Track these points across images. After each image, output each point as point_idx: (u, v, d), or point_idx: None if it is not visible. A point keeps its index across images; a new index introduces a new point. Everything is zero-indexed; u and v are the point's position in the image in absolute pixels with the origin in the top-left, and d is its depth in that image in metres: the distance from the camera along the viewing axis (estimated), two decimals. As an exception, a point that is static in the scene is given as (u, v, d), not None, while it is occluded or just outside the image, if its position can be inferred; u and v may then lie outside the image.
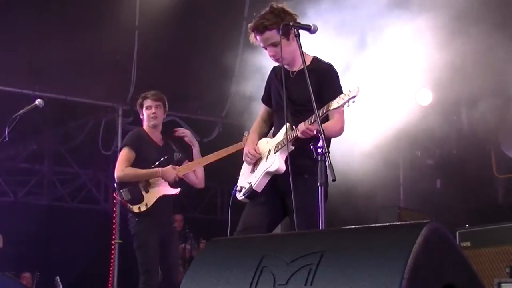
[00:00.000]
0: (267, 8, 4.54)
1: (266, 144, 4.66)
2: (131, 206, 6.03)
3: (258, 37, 4.52)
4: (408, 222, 4.15)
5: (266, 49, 4.55)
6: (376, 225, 2.80)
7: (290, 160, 4.30)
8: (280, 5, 4.55)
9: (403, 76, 8.15)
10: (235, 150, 6.10)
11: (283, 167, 4.38)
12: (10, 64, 8.47)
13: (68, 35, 8.56)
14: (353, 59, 7.28)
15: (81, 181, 11.08)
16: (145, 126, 6.26)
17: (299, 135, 4.25)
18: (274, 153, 4.48)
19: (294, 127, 4.38)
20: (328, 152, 3.95)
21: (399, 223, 6.26)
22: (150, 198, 6.05)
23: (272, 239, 3.13)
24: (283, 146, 4.38)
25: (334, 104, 4.14)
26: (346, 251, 2.57)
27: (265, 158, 4.58)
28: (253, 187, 4.54)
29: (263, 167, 4.54)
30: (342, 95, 4.13)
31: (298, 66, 4.57)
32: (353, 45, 7.59)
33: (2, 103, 8.40)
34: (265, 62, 8.16)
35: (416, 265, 2.39)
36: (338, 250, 2.60)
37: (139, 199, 6.03)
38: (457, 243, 6.57)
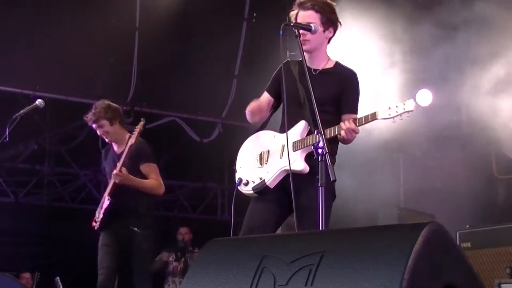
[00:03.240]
0: None
1: (274, 138, 4.55)
2: None
3: (299, 13, 4.46)
4: (408, 223, 4.16)
5: None
6: (377, 225, 2.81)
7: (304, 159, 4.27)
8: (335, 7, 4.53)
9: (403, 76, 8.17)
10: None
11: (307, 168, 4.31)
12: (10, 64, 8.47)
13: (68, 35, 8.56)
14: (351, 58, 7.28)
15: (81, 181, 11.08)
16: None
17: (343, 133, 4.18)
18: (294, 151, 4.36)
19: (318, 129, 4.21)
20: (328, 153, 3.95)
21: (399, 223, 6.26)
22: None
23: (272, 239, 3.13)
24: (306, 146, 4.29)
25: (383, 113, 4.07)
26: (346, 252, 2.57)
27: (279, 154, 4.46)
28: (267, 183, 4.44)
29: (279, 164, 4.42)
30: (394, 107, 4.05)
31: (320, 65, 4.53)
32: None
33: (2, 103, 8.41)
34: (266, 63, 8.19)
35: (417, 265, 2.39)
36: (338, 250, 2.60)
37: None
38: (457, 243, 6.57)
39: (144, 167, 6.14)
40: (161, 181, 6.23)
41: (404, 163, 9.38)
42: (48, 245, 10.20)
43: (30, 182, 10.75)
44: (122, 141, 6.16)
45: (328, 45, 4.58)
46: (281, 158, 4.42)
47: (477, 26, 7.74)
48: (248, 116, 4.72)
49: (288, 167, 4.31)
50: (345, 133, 4.17)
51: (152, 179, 6.15)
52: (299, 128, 4.42)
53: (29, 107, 5.92)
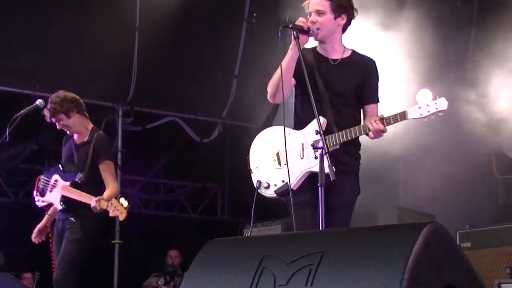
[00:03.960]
0: None
1: (289, 136, 4.31)
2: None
3: (311, 1, 4.41)
4: (408, 223, 4.15)
5: (310, 15, 4.40)
6: (377, 225, 2.80)
7: (334, 157, 4.08)
8: None
9: (403, 76, 8.16)
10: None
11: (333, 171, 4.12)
12: (10, 65, 8.47)
13: (68, 35, 8.56)
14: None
15: (81, 181, 11.07)
16: None
17: (371, 135, 4.11)
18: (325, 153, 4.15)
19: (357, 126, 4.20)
20: (328, 153, 3.93)
21: (399, 223, 6.26)
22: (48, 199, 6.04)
23: (273, 239, 3.13)
24: (332, 147, 4.15)
25: (413, 113, 4.01)
26: (346, 252, 2.57)
27: (299, 154, 4.32)
28: (291, 186, 4.25)
29: (302, 165, 4.27)
30: (425, 106, 3.99)
31: (338, 54, 4.43)
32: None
33: (2, 103, 8.41)
34: (266, 63, 8.18)
35: (417, 265, 2.39)
36: (338, 250, 2.60)
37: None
38: (458, 243, 6.57)
39: (102, 165, 5.91)
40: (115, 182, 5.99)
41: (404, 163, 9.37)
42: (48, 245, 10.18)
43: (30, 182, 10.75)
44: (84, 132, 6.01)
45: (344, 34, 4.48)
46: (302, 158, 4.28)
47: (475, 25, 7.75)
48: (270, 95, 4.46)
49: (312, 169, 4.19)
50: (373, 134, 4.11)
51: (109, 187, 5.87)
52: (313, 126, 4.27)
53: (30, 107, 5.93)
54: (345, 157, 4.31)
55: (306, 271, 2.56)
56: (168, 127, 10.05)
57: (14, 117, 5.79)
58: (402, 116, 4.06)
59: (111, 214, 5.62)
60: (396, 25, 7.74)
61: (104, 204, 5.60)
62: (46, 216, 6.18)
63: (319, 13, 4.36)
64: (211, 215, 11.45)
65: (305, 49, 4.42)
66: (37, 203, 6.09)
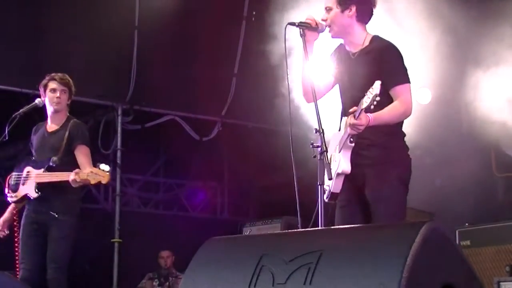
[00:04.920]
0: None
1: (332, 138, 4.37)
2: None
3: None
4: (407, 222, 4.15)
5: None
6: (375, 224, 2.80)
7: (357, 151, 4.08)
8: None
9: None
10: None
11: (348, 168, 4.12)
12: (9, 63, 8.46)
13: (67, 34, 8.55)
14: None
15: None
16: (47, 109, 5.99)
17: (349, 131, 4.03)
18: (339, 152, 4.21)
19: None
20: (327, 151, 3.92)
21: (398, 222, 6.25)
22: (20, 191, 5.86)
23: (271, 238, 3.13)
24: (343, 144, 4.13)
25: (364, 103, 3.87)
26: (345, 250, 2.57)
27: (335, 157, 4.29)
28: (332, 190, 4.22)
29: (334, 167, 4.23)
30: (368, 93, 3.86)
31: (358, 46, 4.38)
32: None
33: (1, 102, 8.40)
34: (265, 61, 8.18)
35: (415, 264, 2.40)
36: (337, 249, 2.60)
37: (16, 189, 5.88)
38: (457, 241, 6.58)
39: (78, 150, 5.82)
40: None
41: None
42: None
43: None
44: (61, 118, 5.93)
45: (367, 23, 4.42)
46: (335, 161, 4.26)
47: (477, 25, 7.73)
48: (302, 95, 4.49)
49: (338, 170, 4.15)
50: (351, 129, 4.02)
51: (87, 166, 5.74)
52: (342, 125, 4.28)
53: (29, 106, 5.94)
54: (367, 149, 4.21)
55: (304, 269, 2.57)
56: (167, 125, 10.05)
57: (13, 116, 5.81)
58: (360, 107, 3.94)
59: (92, 182, 5.46)
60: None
61: (84, 175, 5.46)
62: (11, 206, 6.00)
63: (327, 9, 4.36)
64: (211, 213, 11.45)
65: (340, 45, 4.47)
66: (9, 199, 5.91)
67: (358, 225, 2.76)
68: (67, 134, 5.78)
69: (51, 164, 5.67)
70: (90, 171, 5.48)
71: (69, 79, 5.97)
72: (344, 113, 4.29)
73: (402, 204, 4.22)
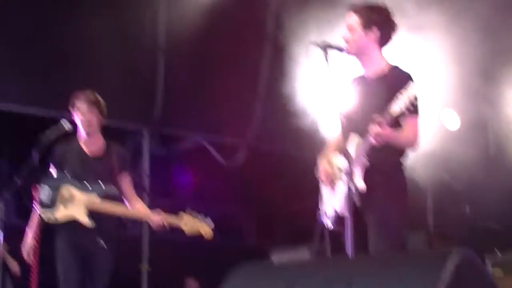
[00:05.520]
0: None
1: (338, 160, 4.37)
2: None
3: (346, 18, 4.43)
4: (437, 249, 4.09)
5: None
6: (405, 252, 2.76)
7: (364, 176, 4.07)
8: (385, 7, 4.44)
9: (430, 99, 8.11)
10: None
11: (363, 186, 4.09)
12: (37, 87, 8.54)
13: (93, 58, 8.61)
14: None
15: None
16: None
17: (372, 140, 4.02)
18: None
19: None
20: (354, 175, 3.91)
21: (428, 250, 6.18)
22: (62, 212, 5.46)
23: (300, 266, 3.10)
24: (356, 161, 4.10)
25: (395, 109, 3.91)
26: (375, 279, 2.53)
27: (341, 177, 4.27)
28: (340, 213, 4.23)
29: (341, 190, 4.23)
30: (399, 95, 3.90)
31: (375, 71, 4.39)
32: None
33: (30, 126, 8.47)
34: (290, 84, 8.19)
35: (447, 293, 2.35)
36: (366, 278, 2.56)
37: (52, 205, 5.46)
38: (487, 268, 6.49)
39: (125, 178, 5.66)
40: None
41: (431, 187, 9.30)
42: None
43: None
44: (96, 143, 5.69)
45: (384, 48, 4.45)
46: (342, 181, 4.25)
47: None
48: None
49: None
50: (374, 139, 4.02)
51: (139, 202, 5.66)
52: (353, 145, 4.24)
53: (57, 130, 5.87)
54: (372, 175, 4.20)
55: (334, 299, 2.53)
56: (193, 149, 10.06)
57: (42, 140, 5.75)
58: (390, 114, 3.96)
59: (188, 230, 5.37)
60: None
61: (172, 219, 5.38)
62: (33, 231, 5.58)
63: (350, 29, 4.38)
64: (237, 239, 11.41)
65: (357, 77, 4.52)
66: (43, 215, 5.45)
67: (389, 253, 2.72)
68: (116, 162, 5.60)
69: (109, 193, 5.46)
70: (182, 219, 5.44)
71: (96, 96, 5.76)
72: (358, 132, 4.24)
73: (398, 227, 4.22)
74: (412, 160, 7.77)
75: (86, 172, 5.54)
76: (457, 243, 7.73)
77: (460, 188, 8.67)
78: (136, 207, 5.59)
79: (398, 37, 4.56)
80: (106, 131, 6.66)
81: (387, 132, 4.00)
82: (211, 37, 9.19)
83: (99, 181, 5.47)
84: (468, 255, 2.54)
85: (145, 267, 9.15)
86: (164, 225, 5.40)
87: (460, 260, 2.47)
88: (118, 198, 5.53)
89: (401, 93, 3.92)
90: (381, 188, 4.20)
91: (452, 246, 2.75)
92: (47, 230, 5.54)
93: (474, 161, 8.43)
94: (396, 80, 4.24)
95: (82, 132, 5.67)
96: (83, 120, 5.63)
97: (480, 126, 8.50)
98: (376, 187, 4.18)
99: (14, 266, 8.02)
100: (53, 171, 5.64)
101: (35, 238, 5.61)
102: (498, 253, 6.82)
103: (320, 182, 4.44)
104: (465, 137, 8.32)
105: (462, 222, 8.47)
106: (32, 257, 5.64)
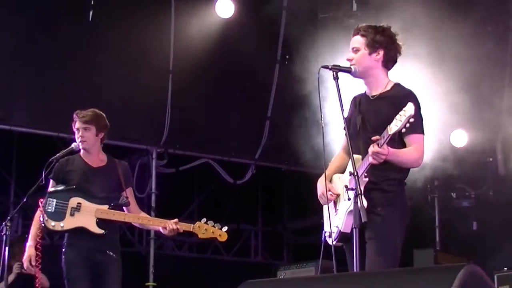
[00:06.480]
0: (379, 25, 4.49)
1: (339, 180, 4.43)
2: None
3: (351, 40, 4.48)
4: (444, 265, 4.09)
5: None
6: (412, 268, 2.76)
7: (364, 194, 4.02)
8: (389, 28, 4.47)
9: (437, 118, 8.12)
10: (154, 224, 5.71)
11: (365, 203, 4.01)
12: (45, 107, 8.59)
13: (102, 79, 8.67)
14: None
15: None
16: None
17: (371, 159, 4.03)
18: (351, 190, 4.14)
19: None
20: (361, 194, 3.92)
21: (435, 265, 6.17)
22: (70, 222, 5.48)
23: (306, 282, 3.10)
24: (355, 179, 4.05)
25: (393, 127, 3.92)
26: (382, 295, 2.54)
27: (344, 196, 4.29)
28: (342, 230, 4.27)
29: (344, 207, 4.28)
30: (399, 117, 3.90)
31: (378, 90, 4.43)
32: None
33: (38, 146, 8.52)
34: (298, 105, 8.21)
35: (454, 309, 2.36)
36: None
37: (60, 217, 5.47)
38: (496, 286, 6.46)
39: (130, 192, 5.76)
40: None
41: (439, 204, 9.29)
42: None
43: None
44: (96, 158, 5.76)
45: (390, 69, 4.49)
46: (345, 200, 4.26)
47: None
48: None
49: (350, 208, 4.13)
50: (373, 158, 4.02)
51: (142, 213, 5.78)
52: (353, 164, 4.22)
53: (65, 150, 5.93)
54: (373, 192, 4.24)
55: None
56: (201, 169, 10.08)
57: (50, 160, 5.80)
58: (387, 132, 3.96)
59: (200, 236, 5.52)
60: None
61: (186, 226, 5.53)
62: (33, 241, 5.55)
63: (354, 50, 4.43)
64: (244, 257, 11.39)
65: (359, 94, 4.57)
66: (51, 227, 5.46)
67: (395, 269, 2.72)
68: (121, 175, 5.70)
69: (120, 202, 5.56)
70: (198, 225, 5.61)
71: (92, 114, 5.79)
72: (359, 152, 4.27)
73: (396, 245, 4.27)
74: (420, 177, 7.85)
75: (91, 182, 5.66)
76: (464, 260, 7.71)
77: (468, 205, 8.67)
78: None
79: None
80: (114, 150, 6.71)
81: (384, 151, 4.02)
82: (220, 59, 9.24)
83: (105, 190, 5.59)
84: (476, 271, 2.55)
85: (151, 284, 9.14)
86: (177, 228, 5.50)
87: (466, 275, 2.47)
88: (126, 206, 5.63)
89: (401, 111, 3.92)
90: (380, 205, 4.25)
91: (459, 263, 2.75)
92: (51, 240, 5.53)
93: (482, 179, 8.44)
94: (397, 97, 4.29)
95: (81, 148, 5.79)
96: (79, 137, 5.74)
97: (489, 145, 8.50)
98: (376, 204, 4.22)
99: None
100: (57, 183, 5.72)
101: (36, 247, 5.58)
102: (506, 270, 6.79)
103: (321, 201, 4.47)
104: (474, 156, 8.33)
105: (470, 240, 8.46)
106: (33, 267, 5.56)
